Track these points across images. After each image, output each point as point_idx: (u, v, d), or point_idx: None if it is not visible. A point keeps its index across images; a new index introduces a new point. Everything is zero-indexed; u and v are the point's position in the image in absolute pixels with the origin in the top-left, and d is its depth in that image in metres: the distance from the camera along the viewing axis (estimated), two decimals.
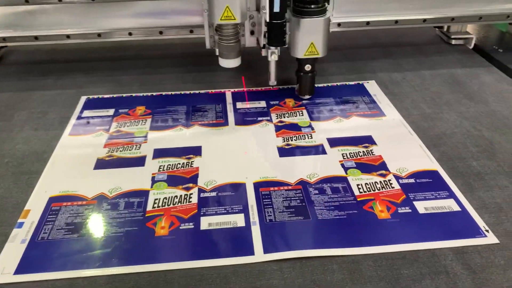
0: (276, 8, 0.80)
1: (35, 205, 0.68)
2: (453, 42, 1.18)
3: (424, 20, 1.07)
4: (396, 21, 1.06)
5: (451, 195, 0.68)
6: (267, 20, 0.82)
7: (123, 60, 1.13)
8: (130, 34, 1.03)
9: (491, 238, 0.61)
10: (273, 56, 0.88)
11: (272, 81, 0.93)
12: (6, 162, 0.77)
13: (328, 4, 0.85)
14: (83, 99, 0.96)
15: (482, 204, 0.67)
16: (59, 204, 0.68)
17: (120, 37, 1.03)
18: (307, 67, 0.89)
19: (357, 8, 1.04)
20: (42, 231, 0.63)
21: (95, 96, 0.97)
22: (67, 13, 1.00)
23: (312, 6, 0.82)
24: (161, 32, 1.03)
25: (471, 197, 0.68)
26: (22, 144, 0.82)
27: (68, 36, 1.02)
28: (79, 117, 0.90)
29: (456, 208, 0.66)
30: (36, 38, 1.01)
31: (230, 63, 0.92)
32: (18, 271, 0.57)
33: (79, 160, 0.78)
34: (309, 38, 0.84)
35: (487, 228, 0.63)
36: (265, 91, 0.99)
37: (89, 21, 1.02)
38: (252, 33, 0.96)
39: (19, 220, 0.65)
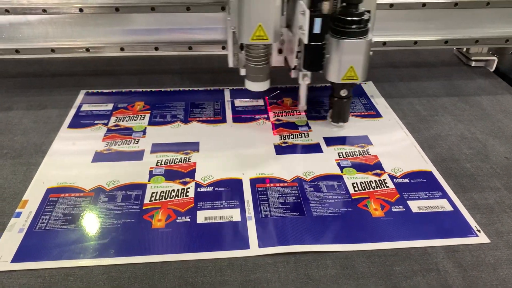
0: (317, 29, 0.70)
1: (33, 195, 0.68)
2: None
3: (446, 42, 1.00)
4: (415, 42, 0.99)
5: (444, 195, 0.70)
6: (305, 42, 0.72)
7: (123, 57, 1.14)
8: (122, 49, 0.95)
9: (482, 238, 0.62)
10: (305, 79, 0.80)
11: (302, 105, 0.86)
12: (5, 153, 0.78)
13: (369, 24, 0.75)
14: (82, 93, 0.97)
15: (474, 204, 0.68)
16: (57, 195, 0.68)
17: (111, 52, 0.96)
18: (343, 92, 0.80)
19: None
20: (40, 221, 0.64)
21: (94, 90, 0.98)
22: (52, 25, 0.93)
23: (353, 27, 0.73)
24: (156, 48, 0.96)
25: (464, 198, 0.69)
26: (21, 135, 0.83)
27: (53, 50, 0.94)
28: (77, 111, 0.91)
29: (449, 208, 0.67)
30: (17, 51, 0.94)
31: (257, 86, 0.84)
32: (16, 259, 0.58)
33: (77, 153, 0.78)
34: (348, 61, 0.76)
35: (478, 228, 0.64)
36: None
37: (77, 34, 0.94)
38: (280, 51, 0.86)
39: (17, 210, 0.65)
